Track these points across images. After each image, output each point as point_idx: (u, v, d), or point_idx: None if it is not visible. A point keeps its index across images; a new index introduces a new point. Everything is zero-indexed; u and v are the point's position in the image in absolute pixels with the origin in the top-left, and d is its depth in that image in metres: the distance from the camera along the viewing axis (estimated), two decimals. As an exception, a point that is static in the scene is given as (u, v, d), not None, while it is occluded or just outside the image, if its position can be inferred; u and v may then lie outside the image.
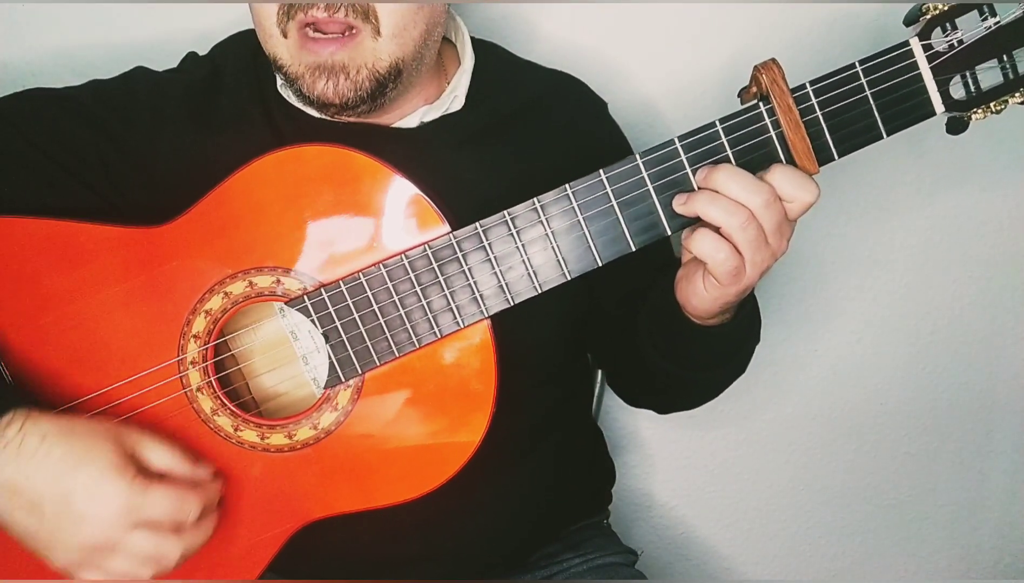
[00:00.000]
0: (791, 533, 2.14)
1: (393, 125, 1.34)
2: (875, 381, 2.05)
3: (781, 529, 2.14)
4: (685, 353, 1.34)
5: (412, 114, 1.34)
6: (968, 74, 1.12)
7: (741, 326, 1.30)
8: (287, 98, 1.35)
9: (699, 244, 1.14)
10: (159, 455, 1.19)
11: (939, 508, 2.15)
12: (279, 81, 1.34)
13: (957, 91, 1.12)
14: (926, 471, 2.12)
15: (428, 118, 1.35)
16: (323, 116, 1.33)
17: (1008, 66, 1.11)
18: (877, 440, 2.09)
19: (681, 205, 1.14)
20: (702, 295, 1.20)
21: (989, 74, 1.12)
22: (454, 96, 1.36)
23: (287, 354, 1.29)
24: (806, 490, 2.11)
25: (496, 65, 1.44)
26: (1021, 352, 2.05)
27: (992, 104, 1.13)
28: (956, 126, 1.14)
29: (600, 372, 1.77)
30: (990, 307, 2.02)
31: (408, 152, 1.24)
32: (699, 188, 1.14)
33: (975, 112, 1.13)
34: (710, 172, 1.13)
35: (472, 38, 1.42)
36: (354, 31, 1.20)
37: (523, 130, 1.39)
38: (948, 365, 2.05)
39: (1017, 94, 1.12)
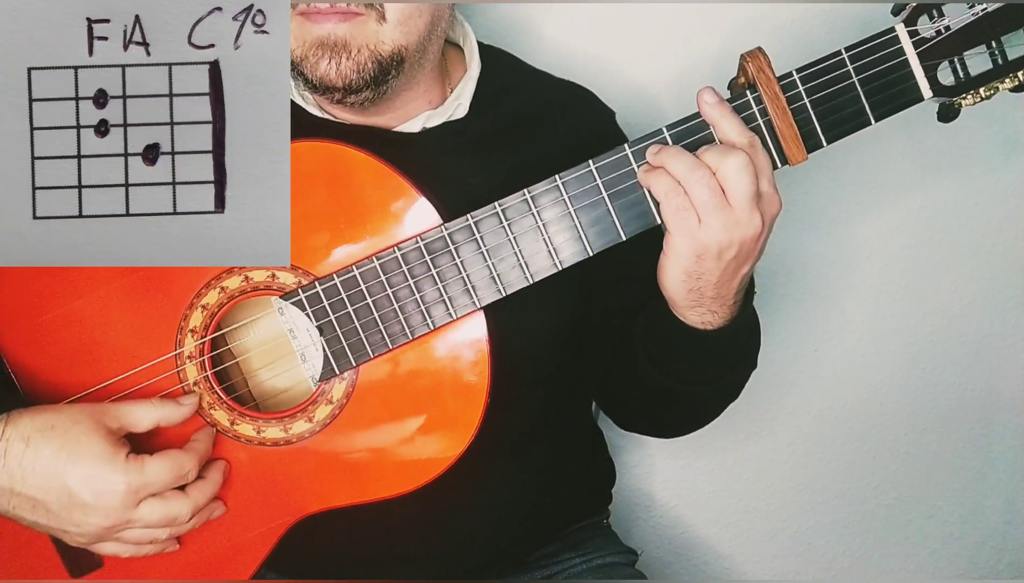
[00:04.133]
0: (791, 533, 2.13)
1: (395, 129, 1.34)
2: (875, 381, 2.05)
3: (781, 529, 2.13)
4: (675, 358, 1.33)
5: (415, 118, 1.34)
6: (956, 60, 1.12)
7: (735, 336, 1.29)
8: (294, 88, 1.35)
9: (655, 180, 1.14)
10: (143, 415, 1.20)
11: (939, 508, 2.14)
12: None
13: (946, 77, 1.13)
14: (926, 471, 2.11)
15: (431, 124, 1.35)
16: (326, 114, 1.34)
17: (997, 52, 1.12)
18: (877, 440, 2.08)
19: (653, 154, 1.15)
20: (662, 262, 1.20)
21: (978, 60, 1.12)
22: (458, 103, 1.36)
23: (284, 349, 1.30)
24: (806, 490, 2.10)
25: (503, 72, 1.44)
26: (1021, 352, 2.05)
27: (982, 90, 1.13)
28: (947, 113, 1.15)
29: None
30: (990, 307, 2.02)
31: (410, 157, 1.24)
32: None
33: (964, 98, 1.13)
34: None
35: (481, 44, 1.42)
36: (358, 13, 1.20)
37: (528, 138, 1.39)
38: (948, 365, 2.05)
39: (1007, 80, 1.13)
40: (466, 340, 1.22)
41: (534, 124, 1.41)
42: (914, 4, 1.10)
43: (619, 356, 1.42)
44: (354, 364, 1.22)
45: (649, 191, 1.16)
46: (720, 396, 1.43)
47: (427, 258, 1.19)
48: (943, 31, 1.10)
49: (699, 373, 1.34)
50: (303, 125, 1.33)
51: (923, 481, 2.12)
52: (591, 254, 1.18)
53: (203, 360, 1.25)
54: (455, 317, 1.20)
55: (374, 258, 1.19)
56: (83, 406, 1.20)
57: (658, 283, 1.23)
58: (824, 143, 1.15)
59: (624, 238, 1.17)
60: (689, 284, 1.19)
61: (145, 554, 1.23)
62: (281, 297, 1.22)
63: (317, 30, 1.19)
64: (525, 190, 1.17)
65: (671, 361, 1.33)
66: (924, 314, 2.01)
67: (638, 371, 1.37)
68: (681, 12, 1.73)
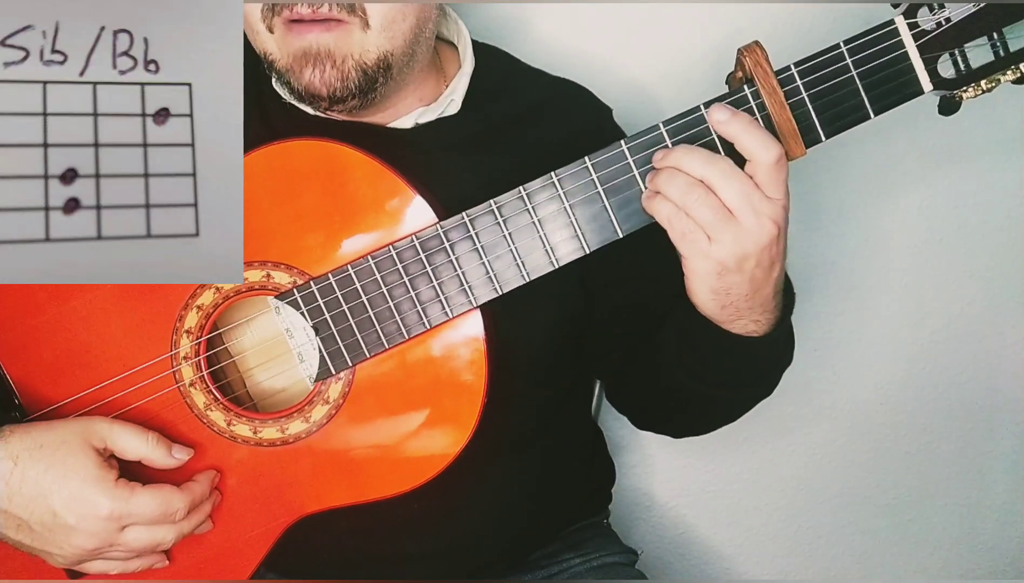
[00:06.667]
0: (791, 533, 2.14)
1: (388, 125, 1.34)
2: (876, 381, 2.05)
3: (781, 529, 2.13)
4: (717, 368, 1.28)
5: (408, 115, 1.33)
6: (957, 52, 1.11)
7: (775, 341, 1.25)
8: (283, 95, 1.34)
9: (656, 205, 1.13)
10: (132, 444, 1.20)
11: (939, 508, 2.14)
12: (275, 78, 1.33)
13: (947, 70, 1.12)
14: (926, 471, 2.11)
15: (423, 120, 1.34)
16: (317, 113, 1.33)
17: (998, 44, 1.10)
18: (877, 440, 2.08)
19: (657, 160, 1.13)
20: (688, 285, 1.17)
21: (979, 52, 1.11)
22: (450, 100, 1.35)
23: (281, 349, 1.29)
24: (806, 490, 2.11)
25: (498, 70, 1.43)
26: (1021, 352, 2.05)
27: (983, 82, 1.12)
28: (948, 106, 1.14)
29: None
30: (990, 307, 2.01)
31: (403, 152, 1.24)
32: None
33: (965, 90, 1.12)
34: (666, 154, 1.13)
35: (476, 42, 1.41)
36: (341, 21, 1.19)
37: (522, 135, 1.38)
38: (948, 365, 2.04)
39: (1009, 72, 1.12)
40: (463, 339, 1.21)
41: (529, 122, 1.40)
42: (914, -4, 1.10)
43: (637, 362, 1.40)
44: (350, 364, 1.22)
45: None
46: (757, 394, 1.40)
47: (422, 256, 1.18)
48: (943, 23, 1.09)
49: (743, 377, 1.31)
50: (297, 123, 1.33)
51: (923, 481, 2.12)
52: (588, 251, 1.17)
53: (199, 360, 1.24)
54: (451, 316, 1.19)
55: (369, 257, 1.19)
56: (73, 424, 1.19)
57: (691, 303, 1.21)
58: (823, 138, 1.14)
59: (621, 235, 1.16)
60: (720, 301, 1.17)
61: (134, 570, 1.23)
62: (276, 296, 1.21)
63: (299, 41, 1.19)
64: (520, 187, 1.16)
65: (713, 371, 1.29)
66: (925, 314, 2.01)
67: (665, 380, 1.33)
68: (678, 8, 1.73)
